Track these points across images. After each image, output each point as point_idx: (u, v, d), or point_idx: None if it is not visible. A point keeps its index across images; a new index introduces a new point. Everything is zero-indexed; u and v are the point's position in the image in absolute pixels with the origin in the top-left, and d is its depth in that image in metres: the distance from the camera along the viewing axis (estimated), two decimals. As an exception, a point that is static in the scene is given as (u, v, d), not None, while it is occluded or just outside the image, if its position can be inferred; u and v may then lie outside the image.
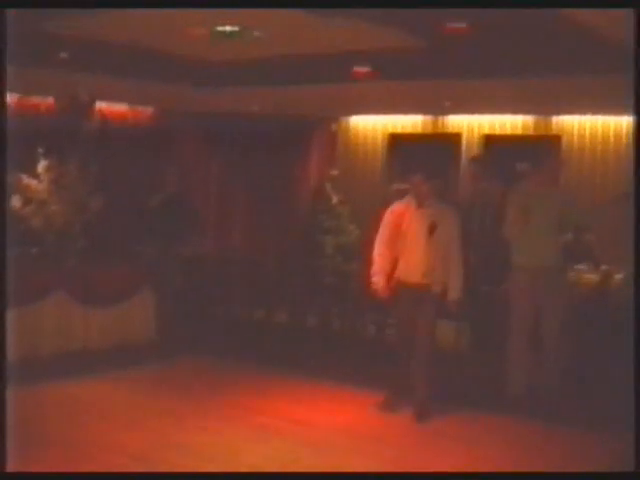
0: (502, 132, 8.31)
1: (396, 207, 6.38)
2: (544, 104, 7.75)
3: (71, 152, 7.88)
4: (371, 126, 9.22)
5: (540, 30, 5.81)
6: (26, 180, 7.57)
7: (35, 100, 8.46)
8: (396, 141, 9.25)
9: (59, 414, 6.04)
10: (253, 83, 8.93)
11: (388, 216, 6.38)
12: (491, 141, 8.43)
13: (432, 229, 6.13)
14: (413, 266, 6.23)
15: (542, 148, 6.96)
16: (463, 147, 8.62)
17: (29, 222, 7.55)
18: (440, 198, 6.31)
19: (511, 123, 8.20)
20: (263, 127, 9.35)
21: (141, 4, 5.40)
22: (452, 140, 8.71)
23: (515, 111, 8.09)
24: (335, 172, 9.55)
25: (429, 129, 8.88)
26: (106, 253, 8.25)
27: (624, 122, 7.34)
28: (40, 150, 7.65)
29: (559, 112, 7.83)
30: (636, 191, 3.00)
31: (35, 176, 7.67)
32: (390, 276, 6.31)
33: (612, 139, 7.41)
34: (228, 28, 6.33)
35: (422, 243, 6.17)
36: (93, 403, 6.43)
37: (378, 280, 6.33)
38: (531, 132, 8.09)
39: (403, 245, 6.26)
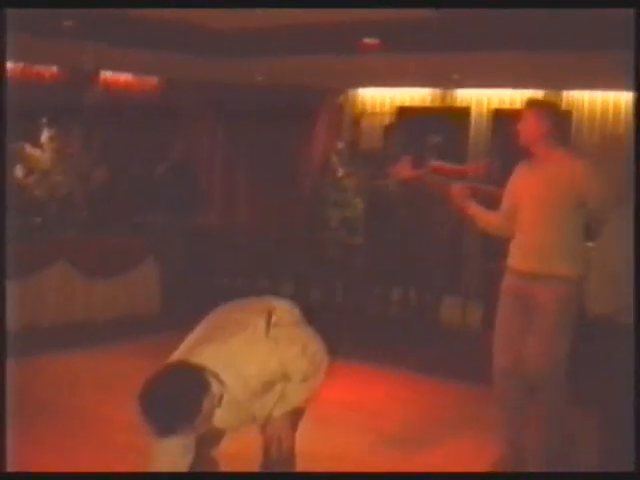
0: (512, 107, 8.20)
1: None
2: (554, 79, 7.64)
3: (75, 122, 7.81)
4: (379, 99, 9.11)
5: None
6: (29, 150, 7.52)
7: (39, 69, 8.37)
8: (404, 114, 9.15)
9: (61, 386, 6.03)
10: (259, 53, 8.82)
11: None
12: (500, 115, 8.33)
13: None
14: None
15: None
16: (472, 121, 8.52)
17: (32, 192, 7.51)
18: None
19: (521, 98, 8.09)
20: (269, 98, 9.26)
21: (141, 4, 5.37)
22: (461, 114, 8.61)
23: (525, 86, 7.98)
24: (341, 145, 9.46)
25: (438, 103, 8.77)
26: (110, 223, 8.23)
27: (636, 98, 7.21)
28: (44, 120, 7.59)
29: (569, 87, 7.72)
30: (636, 179, 2.83)
31: (38, 146, 7.61)
32: None
33: (623, 115, 7.32)
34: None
35: None
36: (95, 375, 6.41)
37: None
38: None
39: None
